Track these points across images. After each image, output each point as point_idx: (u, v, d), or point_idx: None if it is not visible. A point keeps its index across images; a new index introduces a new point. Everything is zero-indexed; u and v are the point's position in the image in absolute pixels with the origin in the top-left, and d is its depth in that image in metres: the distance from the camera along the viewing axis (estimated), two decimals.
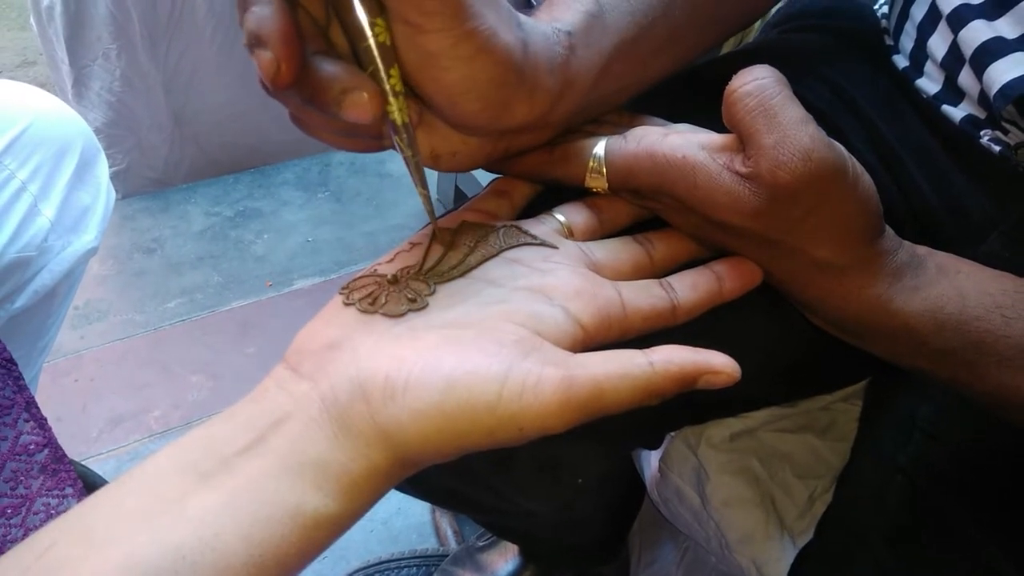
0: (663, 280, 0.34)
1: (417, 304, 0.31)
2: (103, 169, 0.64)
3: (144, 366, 1.14)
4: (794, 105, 0.30)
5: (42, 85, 1.71)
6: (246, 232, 1.39)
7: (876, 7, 0.58)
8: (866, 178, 0.32)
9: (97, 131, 1.33)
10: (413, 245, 0.34)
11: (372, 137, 0.32)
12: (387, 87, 0.28)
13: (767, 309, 0.42)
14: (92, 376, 1.12)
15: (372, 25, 0.27)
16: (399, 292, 0.31)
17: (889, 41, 0.53)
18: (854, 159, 0.31)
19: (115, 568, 0.23)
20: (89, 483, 0.85)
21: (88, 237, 0.61)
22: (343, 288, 0.32)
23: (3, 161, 0.55)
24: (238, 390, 1.08)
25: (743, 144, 0.31)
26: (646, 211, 0.37)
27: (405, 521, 0.98)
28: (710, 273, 0.35)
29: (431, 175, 0.31)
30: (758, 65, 0.32)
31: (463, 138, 0.33)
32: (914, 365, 0.36)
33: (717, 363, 0.28)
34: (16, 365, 0.49)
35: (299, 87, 0.27)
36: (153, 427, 1.06)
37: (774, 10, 0.72)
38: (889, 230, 0.34)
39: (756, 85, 0.31)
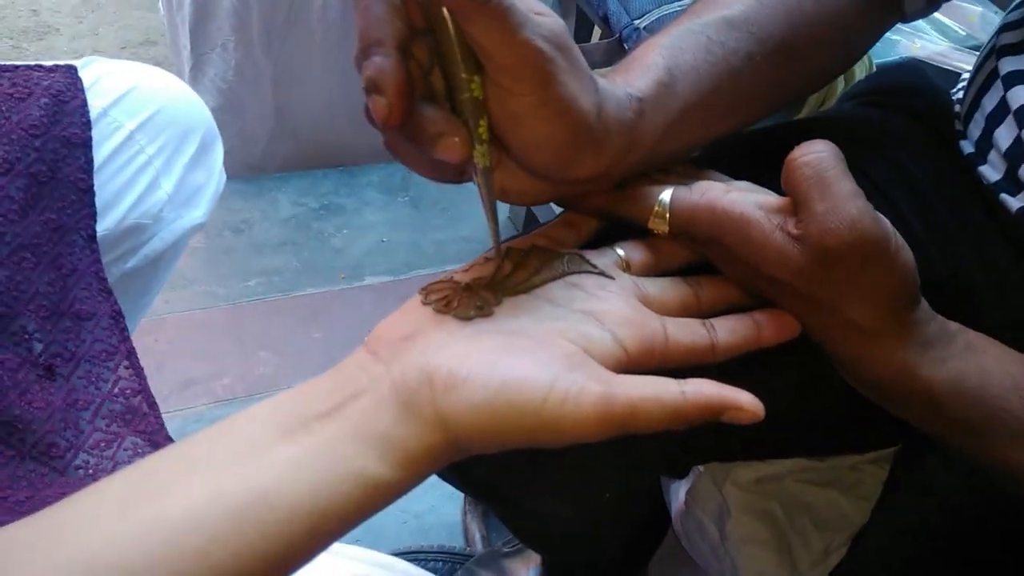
0: (706, 320, 0.36)
1: (484, 311, 0.34)
2: (219, 154, 0.71)
3: (219, 336, 1.19)
4: (847, 179, 0.33)
5: (160, 64, 1.80)
6: (327, 225, 1.44)
7: (953, 91, 0.60)
8: (907, 252, 0.34)
9: None
10: (488, 260, 0.37)
11: (454, 171, 0.35)
12: (475, 135, 0.32)
13: (802, 363, 0.44)
14: (171, 339, 1.17)
15: (469, 81, 0.31)
16: (470, 299, 0.34)
17: (959, 126, 0.56)
18: (897, 234, 0.34)
19: (205, 498, 0.27)
20: None
21: (197, 213, 0.67)
22: (423, 289, 0.36)
23: (135, 137, 0.62)
24: (302, 369, 1.14)
25: (796, 208, 0.34)
26: (699, 257, 0.39)
27: (437, 519, 1.01)
28: (750, 320, 0.37)
29: None
30: (819, 139, 0.34)
31: (532, 180, 0.36)
32: (930, 429, 0.38)
33: (743, 400, 0.31)
34: (123, 317, 0.55)
35: (401, 125, 0.31)
36: (220, 394, 1.10)
37: (855, 81, 0.74)
38: (924, 303, 0.36)
39: (815, 157, 0.33)
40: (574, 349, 0.32)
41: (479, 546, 0.96)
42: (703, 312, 0.38)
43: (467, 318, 0.33)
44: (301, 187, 1.51)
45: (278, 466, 0.28)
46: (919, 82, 0.61)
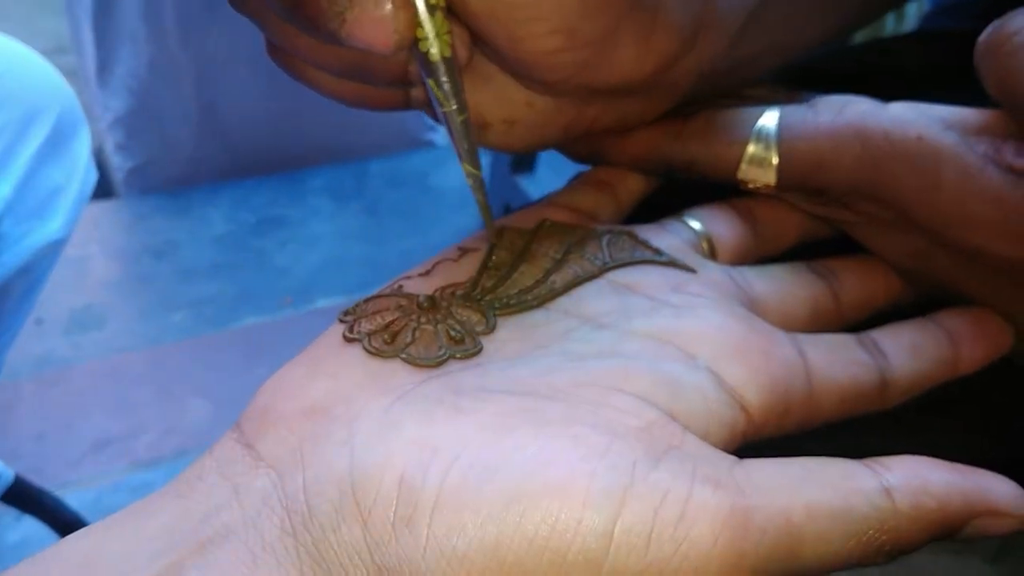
0: (862, 336, 0.23)
1: (466, 347, 0.19)
2: (83, 145, 0.56)
3: (140, 384, 1.07)
4: None
5: (72, 73, 1.68)
6: (268, 241, 1.35)
7: None
8: None
9: (118, 120, 1.30)
10: (464, 252, 0.23)
11: (390, 82, 0.22)
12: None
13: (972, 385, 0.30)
14: (80, 391, 1.05)
15: None
16: (436, 325, 0.20)
17: None
18: None
19: None
20: (61, 520, 0.73)
21: (54, 226, 0.52)
22: (345, 312, 0.21)
23: None
24: None
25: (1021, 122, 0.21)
26: (827, 226, 0.26)
27: None
28: (938, 330, 0.23)
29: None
30: None
31: (528, 98, 0.23)
32: None
33: (1000, 496, 0.18)
34: None
35: None
36: (141, 455, 0.98)
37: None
38: None
39: None
40: (652, 414, 0.18)
41: None
42: (845, 321, 0.25)
43: (433, 364, 0.19)
44: (235, 198, 1.42)
45: None
46: None
